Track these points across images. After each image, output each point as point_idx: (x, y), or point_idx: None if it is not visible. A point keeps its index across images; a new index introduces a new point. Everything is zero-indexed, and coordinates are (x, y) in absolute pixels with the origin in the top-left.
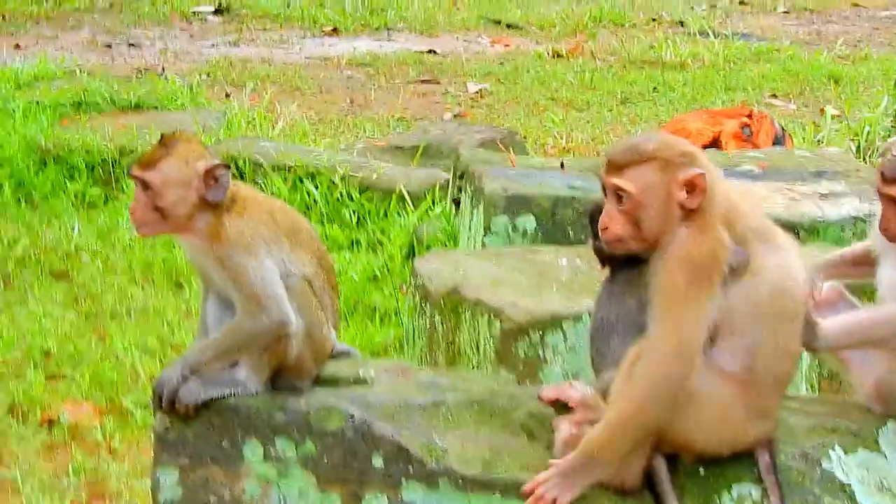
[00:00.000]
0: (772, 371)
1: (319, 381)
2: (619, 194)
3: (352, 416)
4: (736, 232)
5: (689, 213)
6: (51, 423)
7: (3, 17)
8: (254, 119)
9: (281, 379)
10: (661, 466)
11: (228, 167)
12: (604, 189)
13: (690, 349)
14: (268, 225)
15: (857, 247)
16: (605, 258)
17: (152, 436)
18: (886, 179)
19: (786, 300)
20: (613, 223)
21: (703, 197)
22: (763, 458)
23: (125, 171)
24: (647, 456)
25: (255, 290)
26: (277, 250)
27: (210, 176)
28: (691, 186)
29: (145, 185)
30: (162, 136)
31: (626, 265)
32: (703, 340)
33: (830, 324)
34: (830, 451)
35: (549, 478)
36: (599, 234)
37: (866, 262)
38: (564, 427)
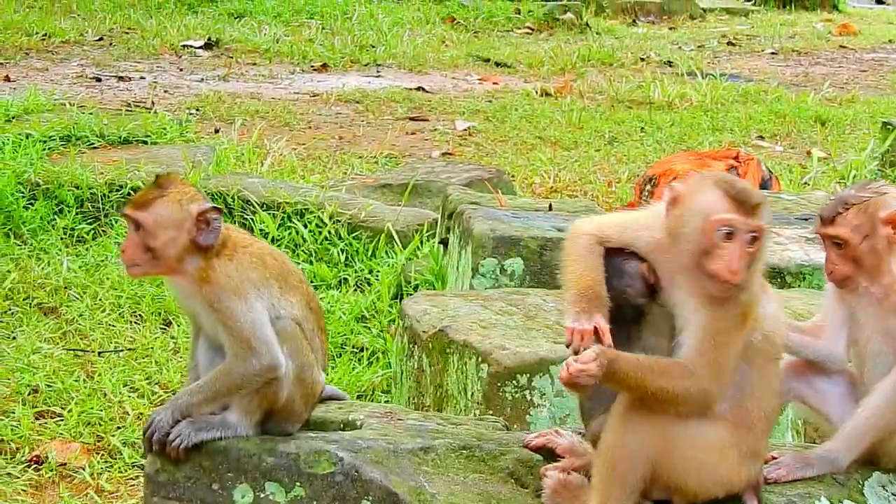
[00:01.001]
0: (761, 410)
1: (309, 425)
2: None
3: (341, 460)
4: None
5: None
6: (38, 462)
7: None
8: (242, 154)
9: (271, 422)
10: None
11: (221, 211)
12: (727, 235)
13: (720, 394)
14: (257, 268)
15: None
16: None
17: (141, 476)
18: (824, 221)
19: (773, 342)
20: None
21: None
22: (751, 502)
23: (116, 209)
24: (636, 498)
25: (244, 333)
26: (267, 293)
27: (202, 219)
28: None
29: (138, 225)
30: (156, 176)
31: (627, 319)
32: None
33: (841, 442)
34: (816, 501)
35: None
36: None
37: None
38: (552, 475)
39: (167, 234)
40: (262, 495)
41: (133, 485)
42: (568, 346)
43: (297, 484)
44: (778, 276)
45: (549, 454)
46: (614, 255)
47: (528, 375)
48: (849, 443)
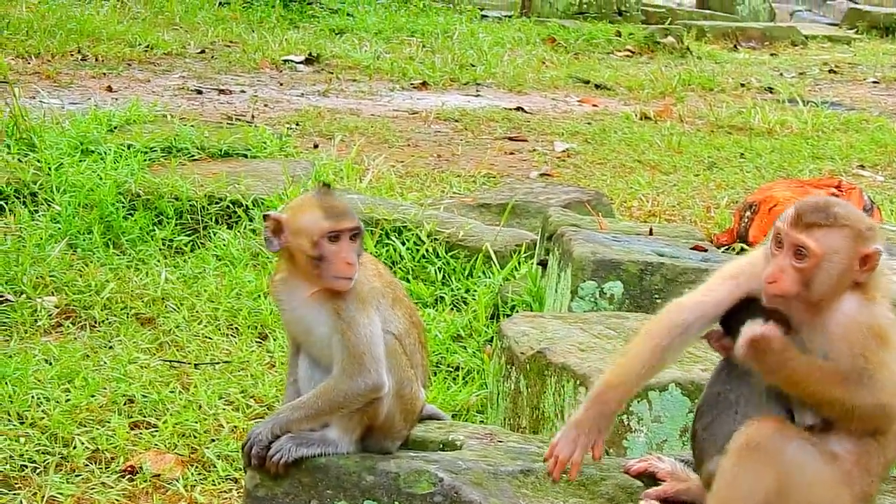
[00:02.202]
0: (882, 452)
1: (409, 444)
2: (800, 251)
3: (441, 481)
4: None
5: (856, 285)
6: (133, 472)
7: (96, 59)
8: (341, 170)
9: (371, 439)
10: None
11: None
12: (777, 242)
13: None
14: (377, 278)
15: None
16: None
17: (234, 489)
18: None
19: None
20: (786, 278)
21: (872, 272)
22: None
23: (216, 221)
24: None
25: (360, 348)
26: (383, 305)
27: None
28: (868, 261)
29: None
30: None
31: None
32: None
33: None
34: None
35: None
36: (765, 287)
37: None
38: (652, 502)
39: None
40: None
41: (226, 498)
42: (544, 461)
43: (396, 503)
44: None
45: (650, 479)
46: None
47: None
48: None
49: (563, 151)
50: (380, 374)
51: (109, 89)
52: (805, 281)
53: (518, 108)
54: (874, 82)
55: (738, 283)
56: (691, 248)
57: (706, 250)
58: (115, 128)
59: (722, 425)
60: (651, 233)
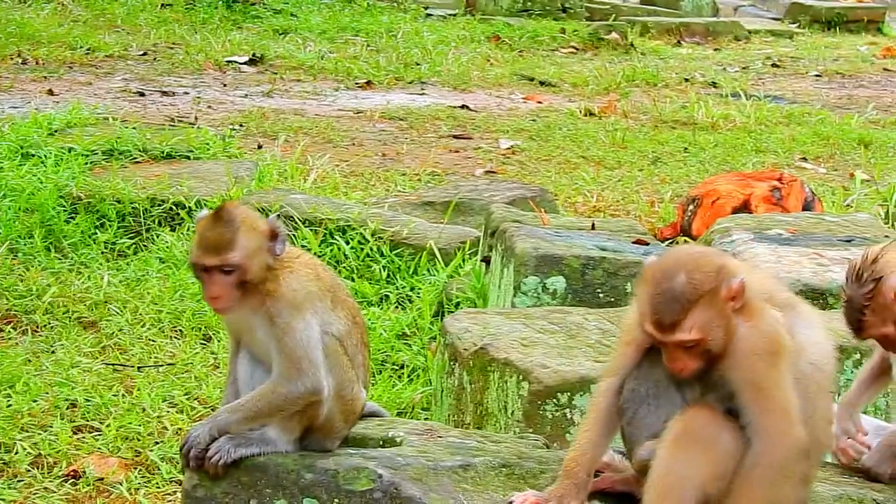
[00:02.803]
0: (816, 441)
1: (349, 441)
2: (686, 346)
3: (380, 477)
4: (776, 304)
5: (737, 311)
6: (76, 476)
7: (37, 62)
8: (286, 170)
9: (310, 438)
10: None
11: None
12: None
13: (801, 428)
14: (314, 281)
15: (866, 368)
16: None
17: (179, 492)
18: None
19: (824, 375)
20: (687, 365)
21: (744, 296)
22: None
23: (158, 224)
24: None
25: (297, 353)
26: (321, 308)
27: (272, 233)
28: (735, 296)
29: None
30: (216, 211)
31: None
32: None
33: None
34: None
35: None
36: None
37: (883, 374)
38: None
39: (257, 261)
40: None
41: (170, 500)
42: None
43: (336, 501)
44: (820, 298)
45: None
46: None
47: (568, 394)
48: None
49: (508, 149)
50: (318, 377)
51: (50, 93)
52: (703, 354)
53: (463, 106)
54: (816, 76)
55: (637, 345)
56: (633, 242)
57: (648, 244)
58: (56, 131)
59: (642, 417)
60: (593, 228)
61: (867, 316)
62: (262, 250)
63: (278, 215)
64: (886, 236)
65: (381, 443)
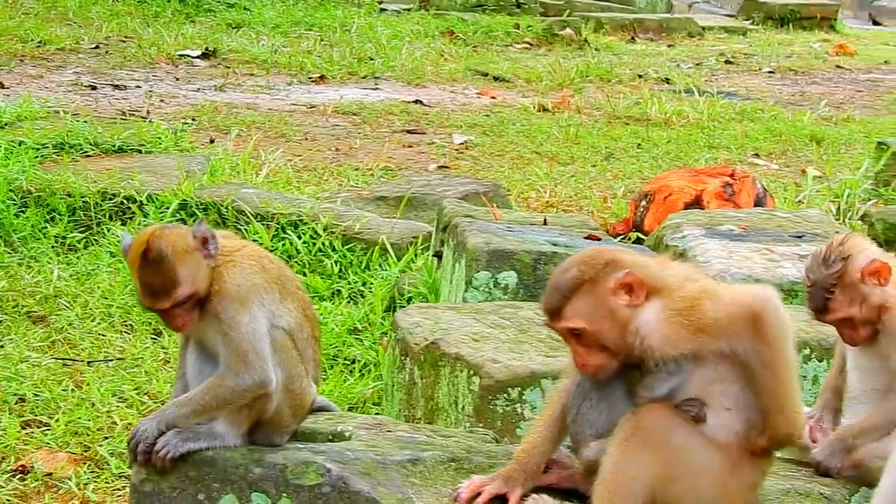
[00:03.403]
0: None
1: (297, 436)
2: (574, 335)
3: (329, 472)
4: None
5: (654, 294)
6: (24, 471)
7: None
8: (238, 165)
9: (259, 432)
10: None
11: (201, 221)
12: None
13: None
14: (259, 273)
15: (829, 378)
16: None
17: (128, 487)
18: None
19: None
20: (589, 359)
21: (644, 291)
22: None
23: (109, 217)
24: None
25: (243, 346)
26: (268, 300)
27: (201, 242)
28: (628, 287)
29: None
30: (144, 254)
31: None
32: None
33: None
34: None
35: None
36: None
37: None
38: (535, 496)
39: (199, 278)
40: None
41: (120, 495)
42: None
43: (284, 495)
44: None
45: None
46: None
47: (519, 389)
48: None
49: (462, 144)
50: (265, 370)
51: (1, 86)
52: (601, 349)
53: (416, 101)
54: (769, 72)
55: None
56: (585, 238)
57: (600, 239)
58: (6, 125)
59: (585, 413)
60: (545, 223)
61: (834, 296)
62: (201, 264)
63: (199, 220)
64: (837, 232)
65: (330, 437)
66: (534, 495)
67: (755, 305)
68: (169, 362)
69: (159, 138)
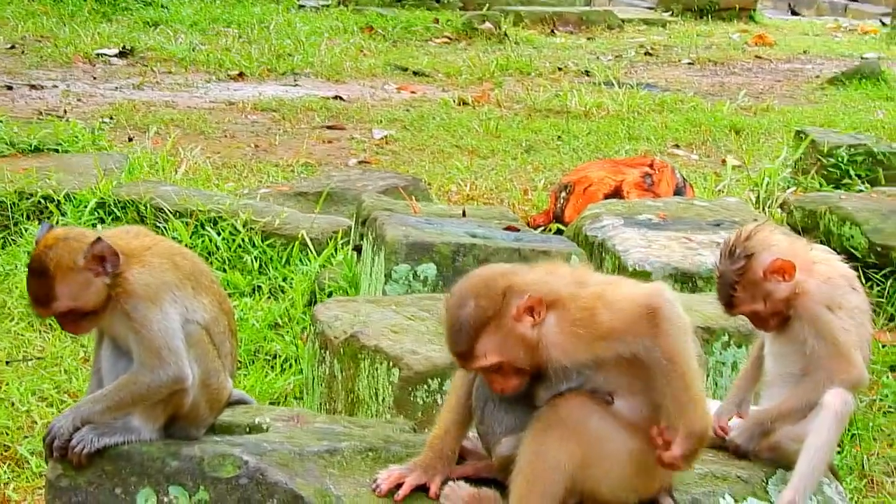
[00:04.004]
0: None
1: (215, 429)
2: (494, 370)
3: (246, 464)
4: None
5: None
6: None
7: None
8: (156, 163)
9: (175, 426)
10: None
11: (100, 238)
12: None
13: None
14: (170, 270)
15: (747, 366)
16: None
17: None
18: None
19: None
20: (507, 385)
21: (544, 308)
22: (666, 502)
23: (26, 217)
24: None
25: (156, 344)
26: (181, 296)
27: (94, 259)
28: (530, 310)
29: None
30: (30, 265)
31: None
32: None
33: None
34: (720, 499)
35: None
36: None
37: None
38: (452, 483)
39: (89, 293)
40: (166, 499)
41: (40, 494)
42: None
43: (202, 488)
44: (689, 281)
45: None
46: None
47: (439, 380)
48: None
49: (382, 139)
50: (180, 366)
51: None
52: (516, 373)
53: (336, 97)
54: (689, 63)
55: None
56: (504, 229)
57: (519, 230)
58: None
59: (492, 414)
60: (464, 215)
61: (738, 292)
62: (90, 282)
63: (99, 238)
64: (755, 220)
65: (247, 429)
66: (451, 483)
67: (650, 303)
68: (88, 361)
69: (77, 137)
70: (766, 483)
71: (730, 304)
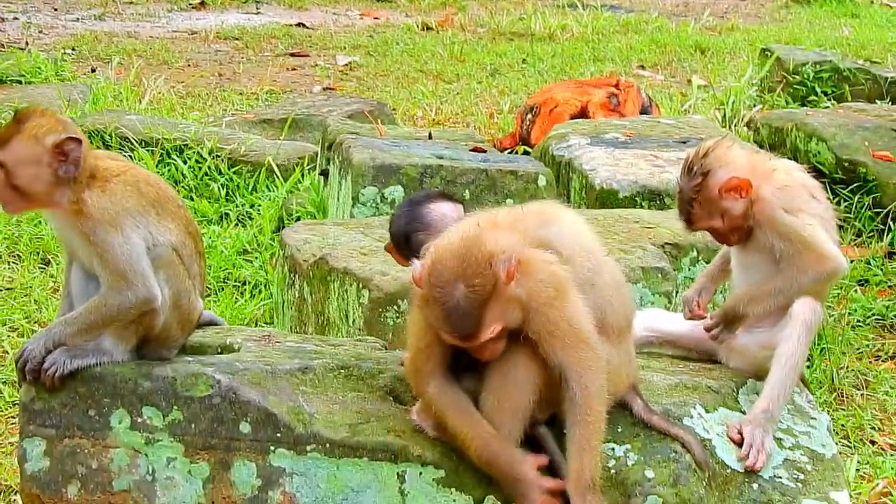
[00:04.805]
0: (623, 320)
1: (186, 349)
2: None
3: (218, 383)
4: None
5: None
6: None
7: None
8: (120, 93)
9: (147, 348)
10: (545, 433)
11: (80, 142)
12: None
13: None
14: (133, 197)
15: (713, 263)
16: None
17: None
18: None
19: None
20: (497, 348)
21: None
22: (637, 403)
23: None
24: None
25: (120, 266)
26: (144, 222)
27: (60, 151)
28: (515, 272)
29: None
30: (16, 111)
31: None
32: None
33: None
34: (692, 409)
35: None
36: None
37: (725, 269)
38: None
39: (28, 170)
40: (140, 420)
41: (13, 423)
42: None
43: (175, 408)
44: (657, 198)
45: None
46: None
47: (408, 300)
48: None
49: (346, 65)
50: (148, 286)
51: None
52: (505, 335)
53: (299, 24)
54: None
55: (440, 345)
56: (471, 150)
57: (485, 151)
58: None
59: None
60: (430, 137)
61: (695, 209)
62: (42, 164)
63: (77, 140)
64: (719, 137)
65: (218, 350)
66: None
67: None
68: (58, 290)
69: (39, 69)
70: (737, 393)
71: (689, 221)
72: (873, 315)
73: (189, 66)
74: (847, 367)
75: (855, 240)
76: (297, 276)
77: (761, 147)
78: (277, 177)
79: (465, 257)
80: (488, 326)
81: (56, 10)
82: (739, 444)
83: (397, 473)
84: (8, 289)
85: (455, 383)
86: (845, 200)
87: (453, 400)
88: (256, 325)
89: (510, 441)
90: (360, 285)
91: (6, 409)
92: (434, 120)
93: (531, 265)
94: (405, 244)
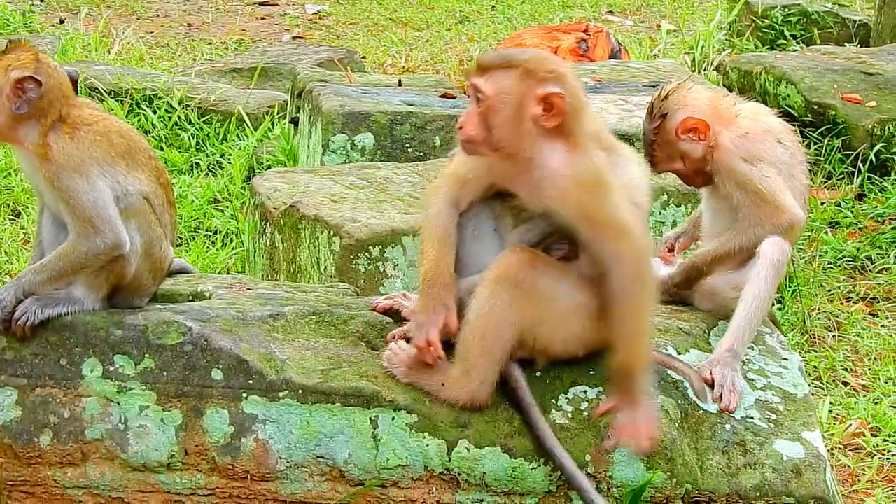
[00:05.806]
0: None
1: (157, 298)
2: (477, 95)
3: (190, 330)
4: (602, 145)
5: (554, 131)
6: None
7: None
8: (89, 44)
9: (119, 296)
10: (519, 376)
11: (40, 84)
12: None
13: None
14: (102, 147)
15: (699, 209)
16: None
17: None
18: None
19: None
20: (468, 123)
21: (561, 118)
22: None
23: None
24: (501, 365)
25: (86, 212)
26: (112, 172)
27: (21, 87)
28: (548, 105)
29: None
30: (9, 41)
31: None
32: None
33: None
34: (664, 351)
35: None
36: (458, 133)
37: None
38: (393, 345)
39: None
40: (112, 368)
41: None
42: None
43: (147, 356)
44: (627, 142)
45: (397, 317)
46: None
47: (380, 247)
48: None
49: (315, 14)
50: (116, 233)
51: None
52: (485, 124)
53: None
54: None
55: (468, 183)
56: (440, 97)
57: (455, 97)
58: None
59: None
60: (400, 84)
61: (657, 151)
62: (2, 96)
63: (36, 79)
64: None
65: (190, 297)
66: (393, 345)
67: None
68: (28, 242)
69: (7, 21)
70: (708, 335)
71: (652, 163)
72: (844, 257)
73: (158, 16)
74: (819, 309)
75: (825, 182)
76: (268, 225)
77: (731, 91)
78: (247, 125)
79: (549, 56)
80: (490, 77)
81: None
82: (711, 385)
83: (370, 419)
84: None
85: (455, 219)
86: (815, 143)
87: (443, 225)
88: (228, 273)
89: (450, 293)
90: (332, 232)
91: None
92: (404, 67)
93: (582, 146)
94: None
